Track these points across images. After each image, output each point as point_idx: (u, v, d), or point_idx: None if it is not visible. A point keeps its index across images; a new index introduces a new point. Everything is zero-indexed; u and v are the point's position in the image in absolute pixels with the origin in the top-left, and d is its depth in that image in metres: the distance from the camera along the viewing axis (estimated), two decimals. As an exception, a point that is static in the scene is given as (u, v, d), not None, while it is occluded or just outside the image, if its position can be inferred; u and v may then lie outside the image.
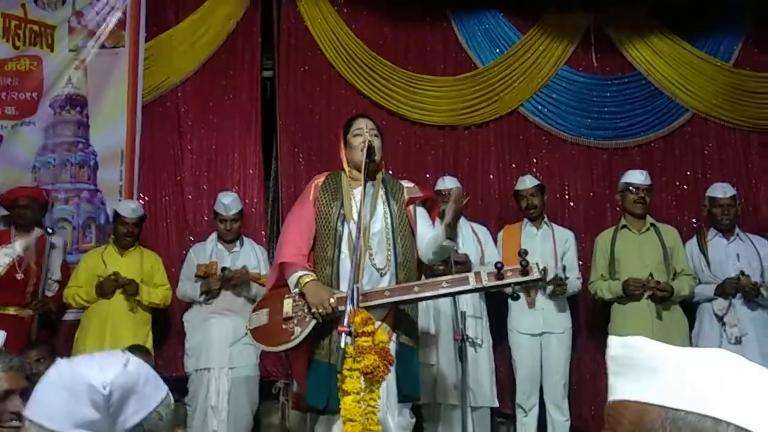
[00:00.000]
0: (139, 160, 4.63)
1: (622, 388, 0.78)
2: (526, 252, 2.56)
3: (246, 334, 2.86)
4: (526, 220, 4.18)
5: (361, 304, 2.41)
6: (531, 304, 4.00)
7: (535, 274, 2.56)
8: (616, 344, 0.81)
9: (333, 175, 2.94)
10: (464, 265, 3.70)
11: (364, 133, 2.85)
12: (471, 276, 2.63)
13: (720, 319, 3.89)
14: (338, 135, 3.03)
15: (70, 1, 4.71)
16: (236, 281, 3.96)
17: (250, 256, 4.15)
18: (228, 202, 4.13)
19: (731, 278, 3.87)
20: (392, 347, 2.63)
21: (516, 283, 2.57)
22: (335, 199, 2.82)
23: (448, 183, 4.17)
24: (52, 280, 4.14)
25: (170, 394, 1.02)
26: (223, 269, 3.98)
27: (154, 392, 0.97)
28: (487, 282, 2.58)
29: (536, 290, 4.00)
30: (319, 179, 2.94)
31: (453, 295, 2.74)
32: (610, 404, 0.79)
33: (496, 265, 2.57)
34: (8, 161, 4.55)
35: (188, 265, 4.14)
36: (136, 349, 3.51)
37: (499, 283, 2.58)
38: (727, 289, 3.86)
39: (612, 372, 0.80)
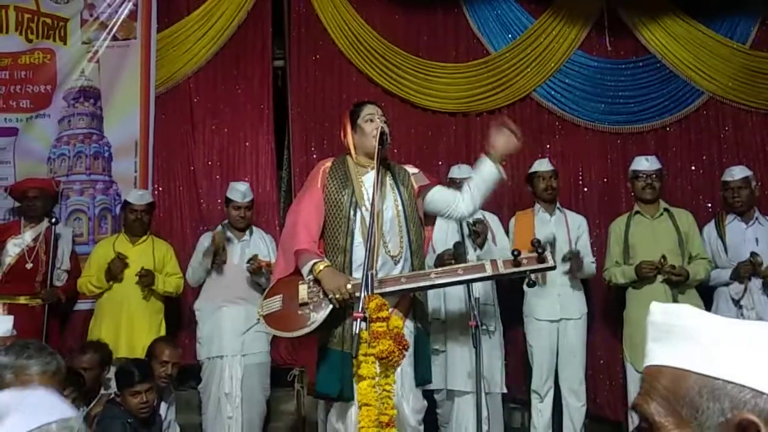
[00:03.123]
0: (153, 151, 4.66)
1: (659, 353, 0.78)
2: (539, 241, 2.59)
3: (258, 320, 2.87)
4: (538, 206, 4.14)
5: (377, 291, 2.42)
6: (544, 282, 3.96)
7: (551, 262, 2.58)
8: (657, 310, 0.80)
9: (339, 160, 2.91)
10: (483, 226, 3.69)
11: (376, 119, 2.83)
12: (487, 263, 2.64)
13: (737, 303, 3.85)
14: (344, 120, 2.99)
15: (82, -6, 4.73)
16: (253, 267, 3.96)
17: (259, 245, 4.16)
18: (244, 189, 4.16)
19: (744, 261, 3.83)
20: (407, 333, 2.63)
21: (532, 271, 2.58)
22: (345, 186, 2.80)
23: (464, 171, 4.14)
24: (60, 270, 4.17)
25: (73, 422, 0.98)
26: (250, 260, 3.96)
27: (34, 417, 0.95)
28: (503, 269, 2.59)
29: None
30: (326, 164, 2.90)
31: (470, 282, 2.73)
32: (646, 369, 0.79)
33: (512, 252, 2.59)
34: (24, 153, 4.60)
35: (199, 250, 4.16)
36: (162, 341, 3.55)
37: (516, 270, 2.59)
38: (741, 273, 3.82)
39: (651, 337, 0.79)
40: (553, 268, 2.67)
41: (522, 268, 2.58)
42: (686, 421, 0.72)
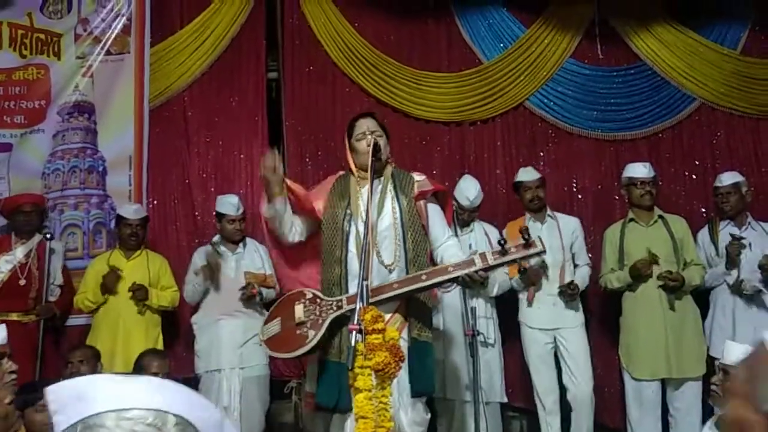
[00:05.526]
0: (147, 165, 4.65)
1: None
2: (527, 229, 2.60)
3: (260, 344, 2.88)
4: (528, 215, 4.13)
5: (370, 300, 2.41)
6: (530, 302, 3.97)
7: (538, 247, 2.58)
8: None
9: (343, 176, 2.96)
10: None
11: (367, 135, 2.84)
12: (476, 257, 2.63)
13: (735, 287, 3.82)
14: (343, 138, 3.01)
15: (75, 9, 4.73)
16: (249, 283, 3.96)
17: (254, 257, 4.15)
18: (236, 201, 4.17)
19: (729, 243, 3.81)
20: (403, 344, 2.62)
21: (521, 258, 2.59)
22: (342, 199, 2.84)
23: (476, 198, 4.01)
24: (54, 285, 4.16)
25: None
26: (243, 288, 3.96)
27: None
28: (492, 261, 2.60)
29: (536, 287, 3.95)
30: (333, 179, 2.97)
31: (462, 278, 2.66)
32: None
33: (499, 242, 2.60)
34: (18, 169, 4.58)
35: (193, 269, 4.16)
36: (151, 353, 3.53)
37: (505, 259, 2.59)
38: (730, 251, 3.80)
39: None
40: (544, 252, 2.65)
41: (510, 257, 2.59)
42: None
